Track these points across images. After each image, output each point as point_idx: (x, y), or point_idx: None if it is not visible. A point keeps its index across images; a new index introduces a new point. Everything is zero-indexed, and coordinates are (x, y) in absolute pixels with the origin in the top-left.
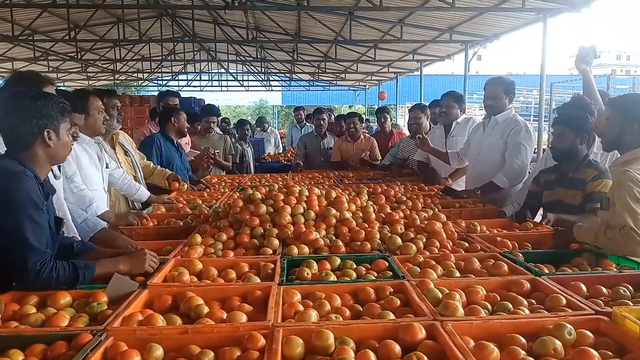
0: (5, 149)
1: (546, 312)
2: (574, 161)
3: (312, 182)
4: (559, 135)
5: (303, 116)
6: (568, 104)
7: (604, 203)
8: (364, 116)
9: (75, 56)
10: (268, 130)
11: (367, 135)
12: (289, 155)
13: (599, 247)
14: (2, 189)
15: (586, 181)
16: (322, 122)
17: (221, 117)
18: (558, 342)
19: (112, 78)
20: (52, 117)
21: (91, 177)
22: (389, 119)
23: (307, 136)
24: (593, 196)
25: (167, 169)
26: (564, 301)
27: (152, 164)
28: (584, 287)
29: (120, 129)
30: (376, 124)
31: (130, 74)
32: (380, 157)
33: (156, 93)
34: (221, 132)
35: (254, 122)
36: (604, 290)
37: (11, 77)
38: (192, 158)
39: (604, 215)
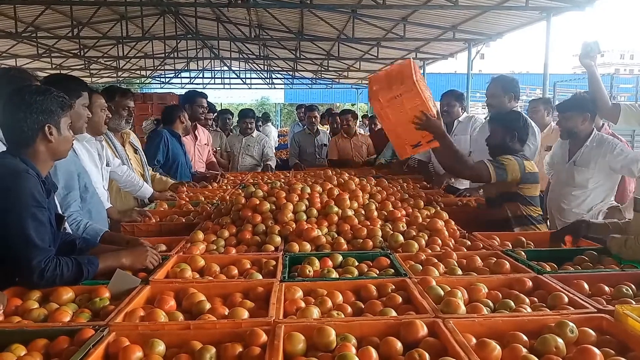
0: (5, 146)
1: (548, 310)
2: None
3: (314, 180)
4: (490, 132)
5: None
6: (568, 100)
7: (637, 205)
8: (367, 114)
9: (78, 53)
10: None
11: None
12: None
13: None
14: (5, 188)
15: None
16: (313, 119)
17: (217, 111)
18: (560, 340)
19: (115, 75)
20: (52, 112)
21: (91, 174)
22: None
23: (300, 134)
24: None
25: (168, 178)
26: (566, 299)
27: (151, 170)
28: (586, 286)
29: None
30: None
31: (133, 71)
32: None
33: (159, 90)
34: (219, 130)
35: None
36: (607, 288)
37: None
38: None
39: (638, 219)
